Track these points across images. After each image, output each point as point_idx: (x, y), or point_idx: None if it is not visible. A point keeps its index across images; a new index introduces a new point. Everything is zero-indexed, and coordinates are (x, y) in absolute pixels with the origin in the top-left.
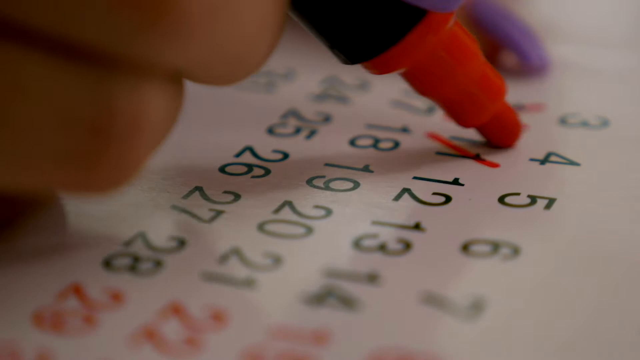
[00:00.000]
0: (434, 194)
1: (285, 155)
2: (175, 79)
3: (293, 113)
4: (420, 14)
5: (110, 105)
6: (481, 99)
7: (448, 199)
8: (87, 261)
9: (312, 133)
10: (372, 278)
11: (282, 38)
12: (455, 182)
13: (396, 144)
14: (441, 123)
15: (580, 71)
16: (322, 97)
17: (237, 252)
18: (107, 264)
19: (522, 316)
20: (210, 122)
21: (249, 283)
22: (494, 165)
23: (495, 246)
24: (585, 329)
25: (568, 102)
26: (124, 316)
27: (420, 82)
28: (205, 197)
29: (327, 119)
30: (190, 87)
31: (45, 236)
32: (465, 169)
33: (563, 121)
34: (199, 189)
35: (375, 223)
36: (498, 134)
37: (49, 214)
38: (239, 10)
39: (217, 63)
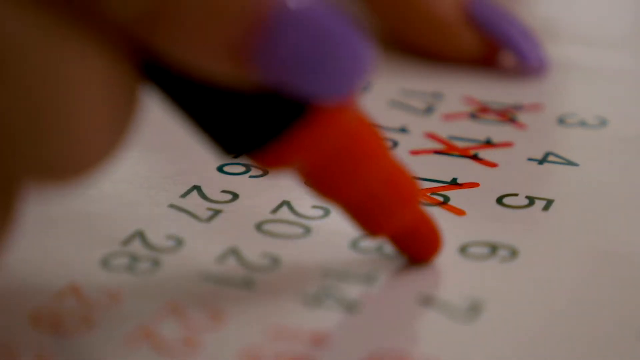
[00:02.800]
0: (432, 194)
1: None
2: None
3: None
4: (305, 104)
5: None
6: (388, 203)
7: (446, 200)
8: (84, 261)
9: None
10: (370, 279)
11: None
12: (454, 182)
13: (395, 144)
14: (440, 123)
15: (578, 71)
16: None
17: (235, 252)
18: (105, 263)
19: (520, 318)
20: None
21: (246, 283)
22: (492, 164)
23: (493, 248)
24: (584, 331)
25: (566, 102)
26: (122, 316)
27: (318, 183)
28: (204, 196)
29: None
30: None
31: (42, 236)
32: (464, 169)
33: (561, 121)
34: (197, 188)
35: None
36: (412, 245)
37: (46, 213)
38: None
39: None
